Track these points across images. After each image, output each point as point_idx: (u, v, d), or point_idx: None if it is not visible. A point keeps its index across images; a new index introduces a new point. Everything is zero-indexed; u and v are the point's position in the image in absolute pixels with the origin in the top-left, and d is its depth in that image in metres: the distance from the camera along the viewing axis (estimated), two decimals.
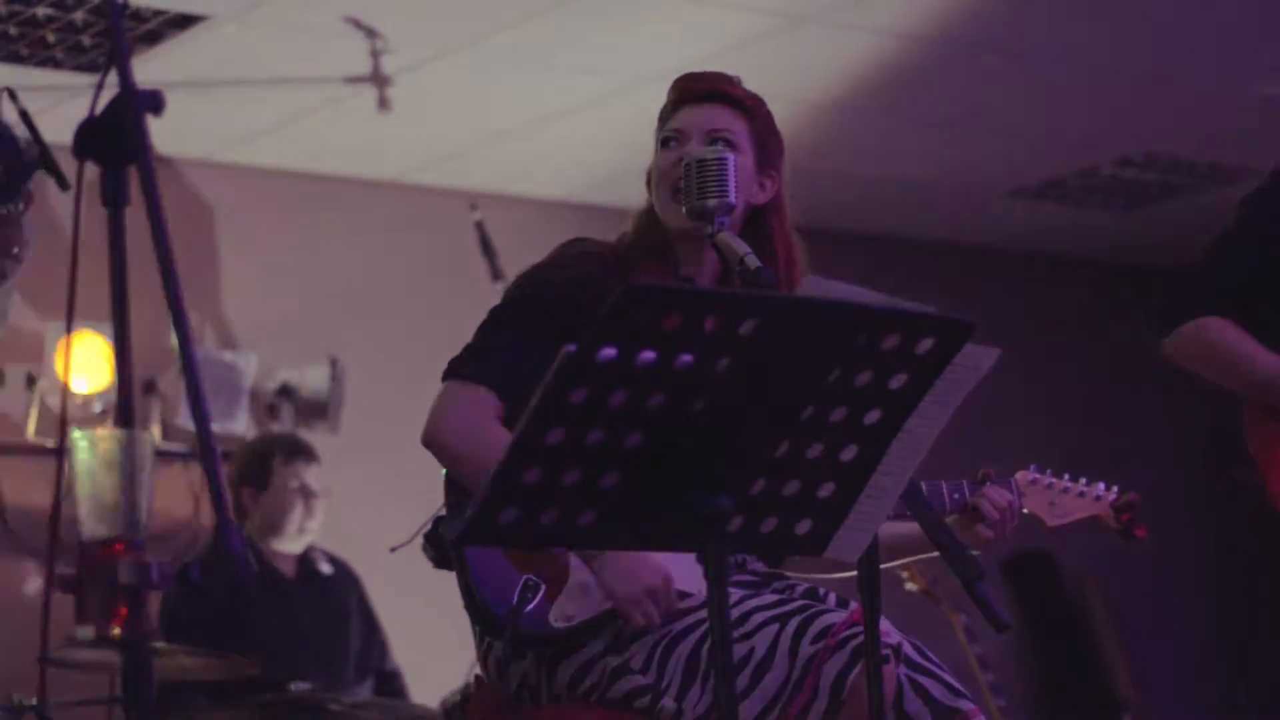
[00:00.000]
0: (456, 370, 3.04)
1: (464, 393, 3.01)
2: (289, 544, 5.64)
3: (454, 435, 2.99)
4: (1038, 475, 3.41)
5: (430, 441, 3.02)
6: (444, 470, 3.08)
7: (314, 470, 5.69)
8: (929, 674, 2.93)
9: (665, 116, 3.18)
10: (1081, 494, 3.45)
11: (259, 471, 5.68)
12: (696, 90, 3.18)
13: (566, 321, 2.98)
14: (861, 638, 2.82)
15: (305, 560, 5.71)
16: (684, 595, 3.01)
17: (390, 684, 5.75)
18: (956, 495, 3.22)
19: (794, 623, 2.90)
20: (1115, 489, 3.48)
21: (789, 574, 3.14)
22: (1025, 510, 3.36)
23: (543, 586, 2.95)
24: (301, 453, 5.71)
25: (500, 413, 3.00)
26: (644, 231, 3.15)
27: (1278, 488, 3.79)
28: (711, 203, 3.01)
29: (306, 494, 5.64)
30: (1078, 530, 4.28)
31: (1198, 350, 3.82)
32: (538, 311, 3.04)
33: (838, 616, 2.90)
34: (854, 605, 2.99)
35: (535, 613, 2.95)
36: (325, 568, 5.75)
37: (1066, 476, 3.44)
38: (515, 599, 2.94)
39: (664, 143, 3.15)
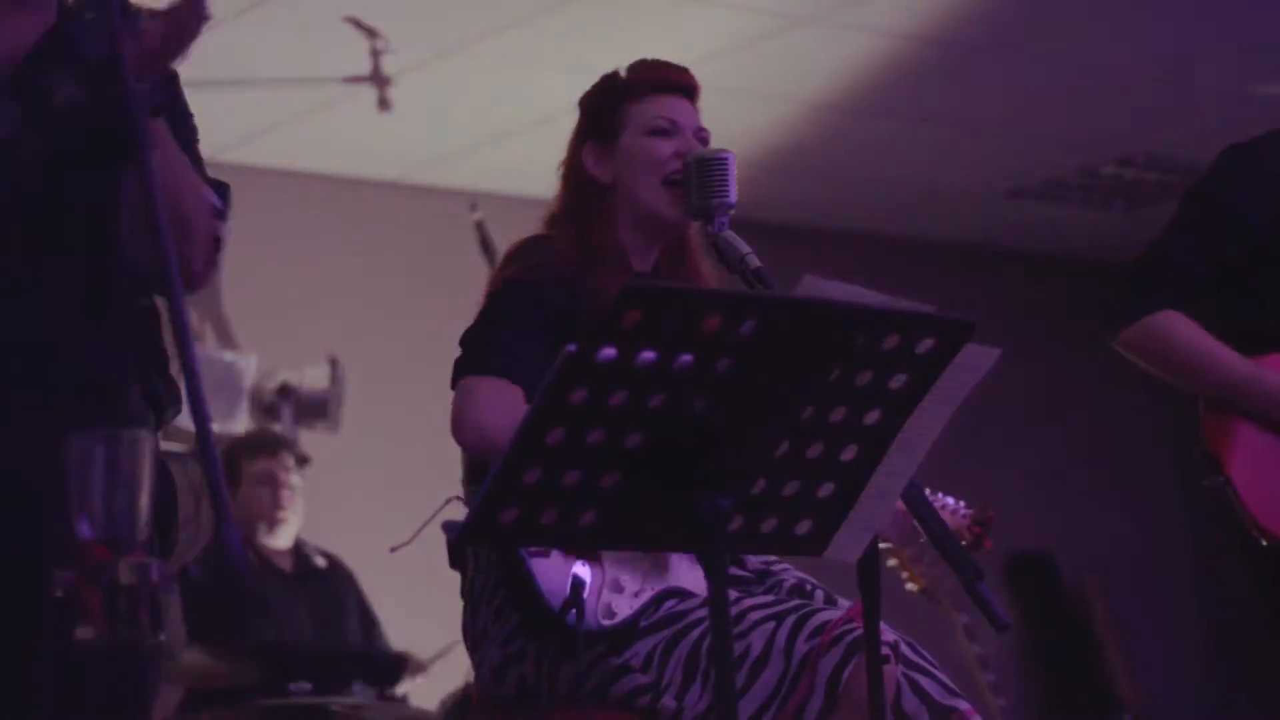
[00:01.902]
0: (475, 365, 2.99)
1: (491, 385, 2.95)
2: (266, 538, 5.65)
3: (500, 423, 2.88)
4: None
5: (475, 438, 2.94)
6: (464, 464, 3.07)
7: (281, 461, 5.70)
8: (925, 672, 2.93)
9: (637, 97, 3.15)
10: (944, 507, 3.47)
11: (230, 473, 5.70)
12: (683, 83, 3.19)
13: (557, 318, 2.99)
14: (856, 633, 2.83)
15: (300, 554, 5.72)
16: (685, 595, 3.02)
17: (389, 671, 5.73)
18: None
19: (789, 621, 2.90)
20: (963, 504, 3.49)
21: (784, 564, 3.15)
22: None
23: (586, 584, 2.93)
24: (263, 448, 5.73)
25: (525, 400, 2.95)
26: (596, 227, 3.12)
27: (1245, 488, 3.74)
28: (714, 202, 3.02)
29: (273, 486, 5.65)
30: (1078, 530, 4.30)
31: (1152, 347, 3.78)
32: (535, 306, 3.02)
33: (833, 614, 2.90)
34: (847, 602, 3.00)
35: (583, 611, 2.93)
36: (320, 562, 5.76)
37: (926, 490, 3.47)
38: (569, 595, 2.90)
39: (656, 130, 3.13)
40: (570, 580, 2.92)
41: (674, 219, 3.10)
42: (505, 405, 2.92)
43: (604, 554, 2.97)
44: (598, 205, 3.14)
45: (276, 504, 5.65)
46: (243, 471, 5.69)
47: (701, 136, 3.14)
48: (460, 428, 2.97)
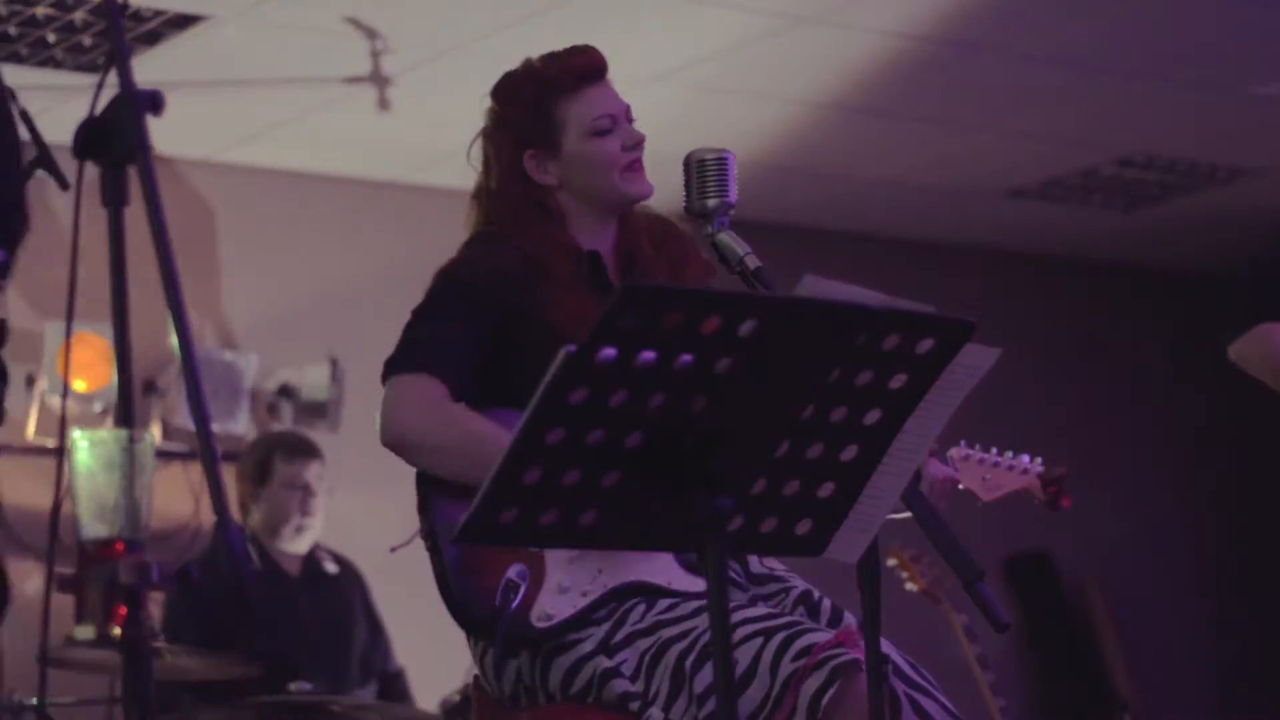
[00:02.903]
0: (397, 365, 3.04)
1: (412, 383, 3.00)
2: (288, 543, 5.63)
3: (417, 425, 2.97)
4: (969, 451, 3.44)
5: (394, 439, 2.99)
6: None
7: (315, 469, 5.68)
8: (927, 694, 2.92)
9: (566, 94, 3.17)
10: (1010, 467, 3.48)
11: (259, 468, 5.68)
12: (600, 66, 3.23)
13: (488, 310, 3.05)
14: (841, 658, 2.82)
15: (310, 560, 5.71)
16: (650, 590, 3.01)
17: (394, 685, 5.75)
18: None
19: (778, 639, 2.88)
20: (1040, 461, 3.50)
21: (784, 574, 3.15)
22: (961, 486, 3.38)
23: (523, 586, 2.95)
24: (302, 452, 5.70)
25: (450, 396, 3.00)
26: (548, 227, 3.15)
27: None
28: (712, 202, 3.04)
29: (304, 493, 5.63)
30: (1078, 530, 4.31)
31: (1257, 356, 3.84)
32: (462, 301, 3.07)
33: (821, 636, 2.89)
34: (843, 623, 2.99)
35: (516, 614, 2.95)
36: (330, 567, 5.74)
37: (995, 450, 3.46)
38: (499, 599, 2.94)
39: (600, 131, 3.16)
40: (504, 583, 2.94)
41: (639, 194, 3.18)
42: (425, 404, 2.98)
43: (548, 556, 2.98)
44: (548, 207, 3.18)
45: (305, 511, 5.63)
46: (275, 471, 5.66)
47: (630, 116, 3.20)
48: (382, 428, 3.00)
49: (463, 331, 3.04)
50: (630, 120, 3.20)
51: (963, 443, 3.43)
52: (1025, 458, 3.49)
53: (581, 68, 3.20)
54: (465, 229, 3.26)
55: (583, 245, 3.17)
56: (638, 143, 3.18)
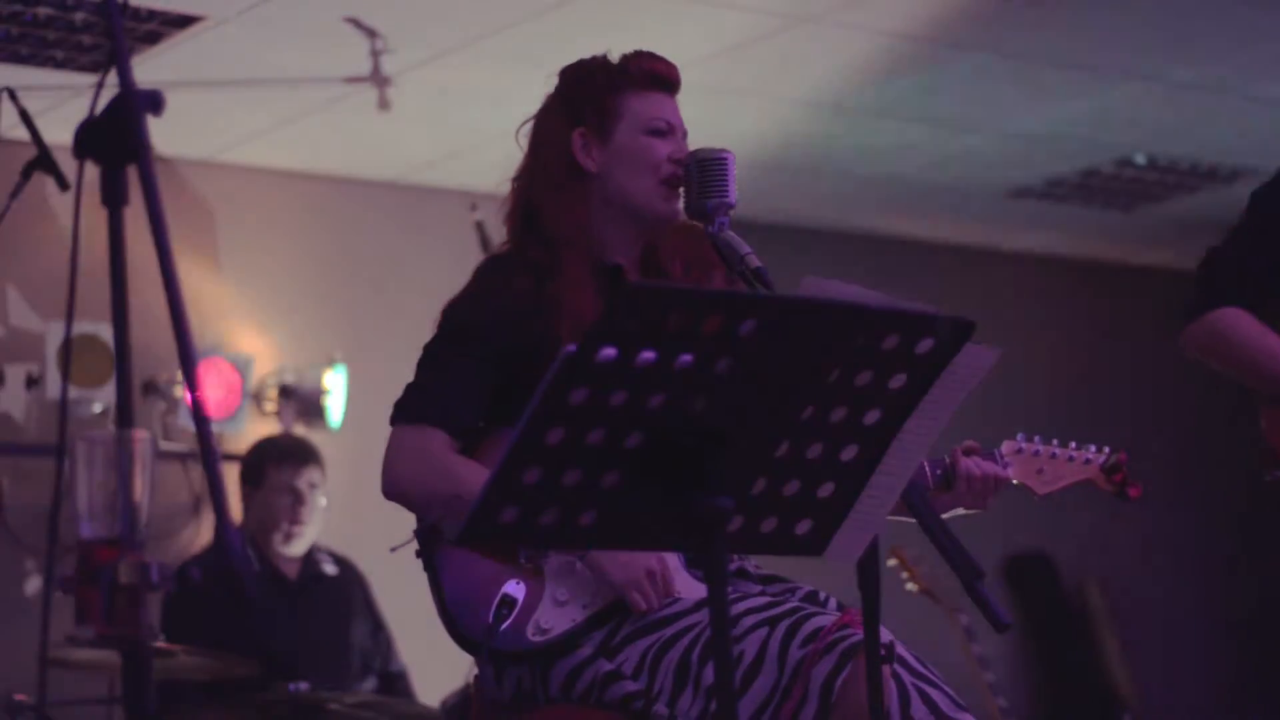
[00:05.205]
0: (401, 414, 3.04)
1: (412, 436, 3.00)
2: (280, 547, 5.64)
3: (412, 481, 2.98)
4: (1024, 444, 3.36)
5: (391, 492, 3.01)
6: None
7: (309, 474, 5.69)
8: (934, 685, 2.92)
9: (634, 90, 3.16)
10: (1071, 459, 3.40)
11: (253, 472, 5.71)
12: (674, 80, 3.22)
13: (501, 346, 3.01)
14: (850, 639, 2.82)
15: (309, 561, 5.71)
16: (673, 600, 3.01)
17: (396, 685, 5.75)
18: (939, 471, 3.21)
19: (783, 626, 2.89)
20: (1106, 450, 3.44)
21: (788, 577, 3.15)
22: (1015, 481, 3.34)
23: (518, 602, 2.95)
24: (294, 457, 5.72)
25: (453, 447, 3.00)
26: (574, 217, 3.12)
27: None
28: (713, 202, 3.03)
29: (295, 497, 5.64)
30: (1077, 530, 4.31)
31: (1212, 344, 3.79)
32: (472, 340, 3.04)
33: (826, 619, 2.89)
34: (844, 609, 2.99)
35: (511, 629, 2.95)
36: (330, 569, 5.75)
37: (1055, 442, 3.40)
38: (491, 617, 2.94)
39: (655, 131, 3.15)
40: (498, 599, 2.94)
41: (668, 214, 3.13)
42: (421, 457, 2.98)
43: (546, 570, 2.98)
44: (581, 193, 3.14)
45: (295, 518, 5.65)
46: (267, 476, 5.69)
47: (684, 134, 3.18)
48: (384, 484, 3.01)
49: (469, 369, 3.02)
50: (684, 140, 3.17)
51: (1019, 436, 3.38)
52: (1092, 448, 3.41)
53: (660, 73, 3.19)
54: (501, 215, 3.22)
55: (604, 255, 3.13)
56: (684, 161, 3.12)
